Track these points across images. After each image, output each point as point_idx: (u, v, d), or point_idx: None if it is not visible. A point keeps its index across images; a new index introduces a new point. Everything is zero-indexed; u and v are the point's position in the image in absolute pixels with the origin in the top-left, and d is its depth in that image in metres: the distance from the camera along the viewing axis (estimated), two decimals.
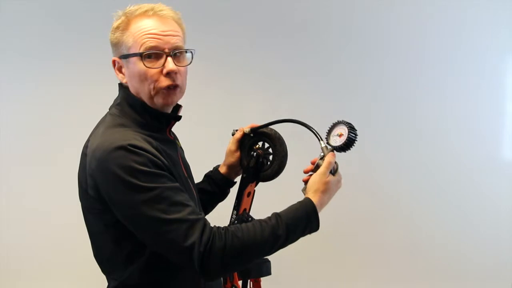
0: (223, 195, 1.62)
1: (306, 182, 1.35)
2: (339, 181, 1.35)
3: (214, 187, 1.59)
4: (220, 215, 1.62)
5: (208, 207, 1.61)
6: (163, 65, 1.25)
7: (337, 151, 1.34)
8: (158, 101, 1.28)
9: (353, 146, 1.33)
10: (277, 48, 2.89)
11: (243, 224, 1.22)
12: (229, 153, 1.56)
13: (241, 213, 1.50)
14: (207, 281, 1.24)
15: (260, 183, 1.54)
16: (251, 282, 1.56)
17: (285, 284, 2.57)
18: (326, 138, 1.36)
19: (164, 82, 1.26)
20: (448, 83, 3.05)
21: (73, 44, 2.68)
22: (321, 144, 1.34)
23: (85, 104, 2.61)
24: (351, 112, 2.86)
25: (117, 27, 1.28)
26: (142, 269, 1.25)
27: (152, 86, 1.26)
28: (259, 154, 1.51)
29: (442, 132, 3.03)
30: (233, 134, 1.56)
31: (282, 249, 1.25)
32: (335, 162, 1.34)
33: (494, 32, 3.06)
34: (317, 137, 1.35)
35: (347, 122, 1.34)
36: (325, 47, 2.95)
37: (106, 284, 1.36)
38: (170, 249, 1.16)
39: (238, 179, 1.58)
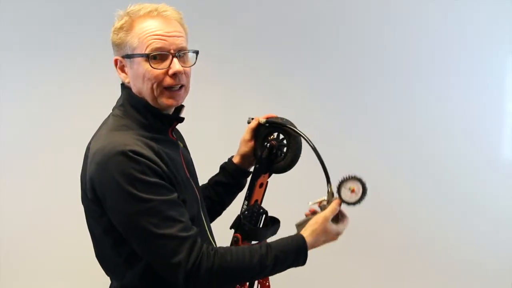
0: (239, 186, 1.59)
1: (306, 216, 1.37)
2: (337, 234, 1.36)
3: (229, 178, 1.56)
4: (231, 206, 1.61)
5: (226, 199, 1.59)
6: (169, 66, 1.24)
7: (343, 203, 1.35)
8: (163, 101, 1.27)
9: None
10: (278, 47, 2.87)
11: (233, 247, 1.25)
12: (243, 142, 1.54)
13: (252, 204, 1.48)
14: None
15: (273, 175, 1.52)
16: (258, 284, 1.52)
17: (291, 284, 2.55)
18: (338, 187, 1.35)
19: (168, 81, 1.26)
20: (447, 83, 3.04)
21: (75, 44, 2.64)
22: (328, 188, 1.36)
23: (88, 105, 2.57)
24: (352, 112, 2.89)
25: (121, 27, 1.26)
26: (142, 273, 1.25)
27: (155, 86, 1.25)
28: (273, 145, 1.49)
29: (442, 132, 3.03)
30: (248, 122, 1.53)
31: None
32: (344, 214, 1.37)
33: (494, 32, 3.07)
34: (327, 179, 1.37)
35: (363, 182, 1.36)
36: (327, 47, 2.93)
37: (107, 285, 1.36)
38: (157, 262, 1.18)
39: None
